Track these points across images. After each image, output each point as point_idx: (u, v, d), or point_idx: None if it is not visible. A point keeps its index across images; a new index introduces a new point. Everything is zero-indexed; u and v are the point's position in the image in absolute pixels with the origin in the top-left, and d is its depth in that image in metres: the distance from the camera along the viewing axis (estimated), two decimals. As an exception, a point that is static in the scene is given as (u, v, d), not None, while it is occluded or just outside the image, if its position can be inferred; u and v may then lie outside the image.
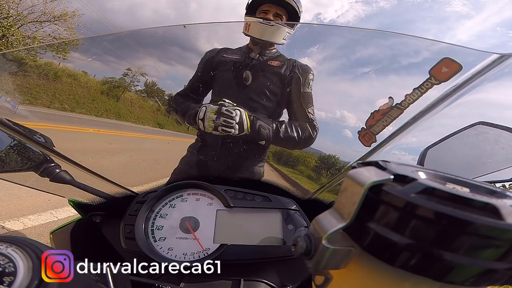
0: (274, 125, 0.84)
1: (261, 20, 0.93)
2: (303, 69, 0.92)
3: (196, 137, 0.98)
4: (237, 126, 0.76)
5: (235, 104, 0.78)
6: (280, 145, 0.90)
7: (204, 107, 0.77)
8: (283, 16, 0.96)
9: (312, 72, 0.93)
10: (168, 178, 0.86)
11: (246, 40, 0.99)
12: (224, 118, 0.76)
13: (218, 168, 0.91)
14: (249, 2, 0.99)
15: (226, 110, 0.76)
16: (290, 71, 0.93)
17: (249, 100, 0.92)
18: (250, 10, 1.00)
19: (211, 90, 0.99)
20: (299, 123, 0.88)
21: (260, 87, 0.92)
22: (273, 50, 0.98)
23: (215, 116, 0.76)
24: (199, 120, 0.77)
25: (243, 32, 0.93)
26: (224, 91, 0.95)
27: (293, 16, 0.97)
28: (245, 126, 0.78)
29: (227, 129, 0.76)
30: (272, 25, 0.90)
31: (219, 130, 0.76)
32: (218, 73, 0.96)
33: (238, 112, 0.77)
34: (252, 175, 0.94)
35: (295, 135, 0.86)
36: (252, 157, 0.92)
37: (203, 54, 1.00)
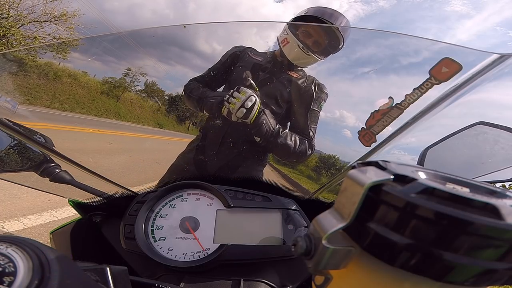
0: (277, 127, 0.83)
1: (301, 45, 0.88)
2: (319, 87, 0.92)
3: (199, 132, 0.97)
4: (244, 110, 0.75)
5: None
6: (274, 150, 0.89)
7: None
8: (322, 45, 0.90)
9: (326, 93, 0.93)
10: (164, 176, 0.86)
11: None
12: (237, 93, 0.75)
13: (217, 167, 0.91)
14: (298, 16, 0.94)
15: (241, 88, 0.76)
16: (306, 85, 0.93)
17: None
18: (295, 25, 0.94)
19: (226, 84, 0.99)
20: (300, 137, 0.88)
21: (273, 92, 0.92)
22: None
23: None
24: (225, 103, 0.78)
25: (278, 44, 0.93)
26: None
27: (332, 47, 0.91)
28: (251, 115, 0.77)
29: (234, 101, 0.75)
30: (308, 54, 0.88)
31: (224, 103, 0.76)
32: (236, 68, 0.96)
33: (253, 99, 0.76)
34: (251, 176, 0.93)
35: (292, 144, 0.85)
36: (251, 159, 0.91)
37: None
